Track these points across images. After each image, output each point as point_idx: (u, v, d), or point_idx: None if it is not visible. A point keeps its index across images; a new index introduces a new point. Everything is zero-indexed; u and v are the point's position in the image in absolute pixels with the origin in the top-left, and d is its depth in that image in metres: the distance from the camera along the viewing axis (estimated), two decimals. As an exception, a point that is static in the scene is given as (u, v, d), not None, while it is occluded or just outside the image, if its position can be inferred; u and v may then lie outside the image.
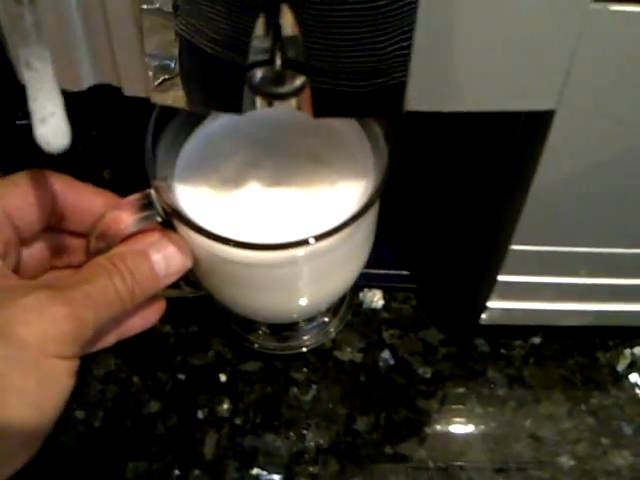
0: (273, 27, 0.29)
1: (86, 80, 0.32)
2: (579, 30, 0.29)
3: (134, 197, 0.36)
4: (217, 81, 0.31)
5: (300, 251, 0.35)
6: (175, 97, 0.32)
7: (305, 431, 0.46)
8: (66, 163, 0.37)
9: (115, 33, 0.30)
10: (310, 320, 0.50)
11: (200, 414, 0.46)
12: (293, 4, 0.28)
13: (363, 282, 0.50)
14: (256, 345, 0.49)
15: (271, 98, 0.31)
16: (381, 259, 0.49)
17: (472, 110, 0.32)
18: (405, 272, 0.51)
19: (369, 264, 0.46)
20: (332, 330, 0.50)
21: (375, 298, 0.51)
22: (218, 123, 0.41)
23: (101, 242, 0.36)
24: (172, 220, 0.37)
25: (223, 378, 0.48)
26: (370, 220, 0.39)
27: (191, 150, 0.40)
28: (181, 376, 0.48)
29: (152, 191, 0.36)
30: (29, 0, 0.24)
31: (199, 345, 0.49)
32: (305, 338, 0.50)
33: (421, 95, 0.31)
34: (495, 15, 0.29)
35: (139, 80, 0.31)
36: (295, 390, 0.48)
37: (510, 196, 0.38)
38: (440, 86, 0.31)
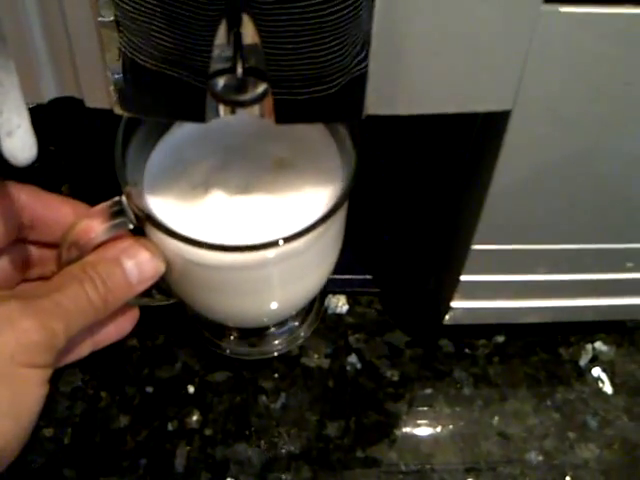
0: (234, 36, 0.29)
1: (48, 93, 0.32)
2: (531, 31, 0.30)
3: (104, 205, 0.36)
4: (179, 91, 0.31)
5: (270, 252, 0.35)
6: (137, 110, 0.33)
7: (276, 439, 0.46)
8: (24, 178, 0.37)
9: (76, 45, 0.30)
10: (280, 325, 0.50)
11: (170, 426, 0.46)
12: (253, 14, 0.28)
13: (326, 288, 0.51)
14: (228, 351, 0.49)
15: (234, 106, 0.32)
16: (343, 264, 0.49)
17: (429, 112, 0.33)
18: (368, 276, 0.51)
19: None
20: (302, 335, 0.50)
21: (339, 303, 0.51)
22: (186, 129, 0.41)
23: (73, 251, 0.36)
24: (144, 226, 0.37)
25: (191, 389, 0.48)
26: (339, 222, 0.39)
27: (160, 157, 0.40)
28: (149, 389, 0.48)
29: (123, 198, 0.35)
30: None
31: (166, 357, 0.49)
32: (276, 343, 0.50)
33: (379, 99, 0.32)
34: (448, 18, 0.29)
35: (101, 92, 0.31)
36: (264, 398, 0.48)
37: (469, 196, 0.39)
38: (397, 90, 0.32)
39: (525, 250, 0.41)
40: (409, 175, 0.46)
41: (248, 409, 0.47)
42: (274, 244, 0.34)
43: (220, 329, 0.50)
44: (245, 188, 0.39)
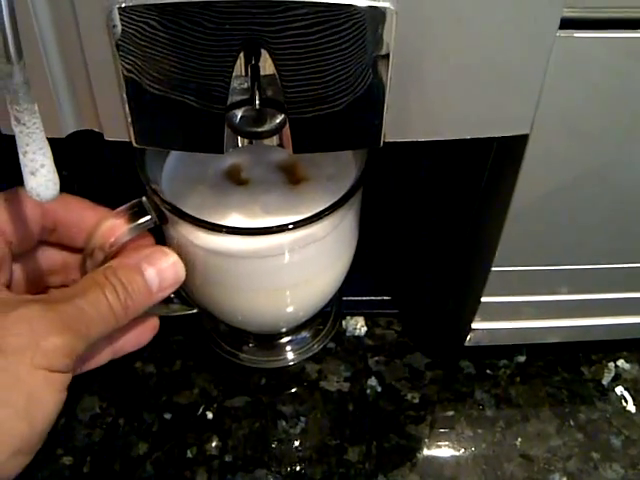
0: (252, 68, 0.29)
1: (67, 127, 0.32)
2: (547, 57, 0.30)
3: (125, 207, 0.37)
4: (197, 123, 0.31)
5: (287, 236, 0.36)
6: (155, 141, 0.33)
7: (296, 465, 0.45)
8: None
9: (95, 80, 0.30)
10: (294, 334, 0.50)
11: (189, 453, 0.46)
12: (270, 48, 0.28)
13: (345, 310, 0.51)
14: (244, 358, 0.49)
15: (252, 138, 0.32)
16: (361, 285, 0.49)
17: (447, 139, 0.33)
18: (386, 297, 0.51)
19: (350, 292, 0.46)
20: (316, 346, 0.50)
21: (358, 325, 0.51)
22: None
23: (96, 255, 0.36)
24: (166, 224, 0.37)
25: (210, 415, 0.48)
26: (353, 214, 0.40)
27: (177, 158, 0.41)
28: (167, 415, 0.47)
29: (143, 198, 0.36)
30: (18, 59, 0.25)
31: (183, 383, 0.49)
32: (289, 352, 0.50)
33: (397, 127, 0.32)
34: (465, 46, 0.29)
35: (120, 125, 0.31)
36: (284, 423, 0.47)
37: (488, 217, 0.39)
38: (415, 117, 0.32)
39: (546, 271, 0.40)
40: (428, 196, 0.46)
41: (267, 434, 0.47)
42: (291, 226, 0.35)
43: (237, 340, 0.50)
44: (263, 184, 0.39)
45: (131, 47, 0.28)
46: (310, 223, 0.36)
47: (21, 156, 0.27)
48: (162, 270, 0.37)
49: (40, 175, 0.28)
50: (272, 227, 0.35)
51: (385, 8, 0.27)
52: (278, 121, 0.30)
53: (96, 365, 0.38)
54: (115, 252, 0.37)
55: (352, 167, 0.40)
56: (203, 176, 0.40)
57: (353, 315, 0.51)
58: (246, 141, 0.32)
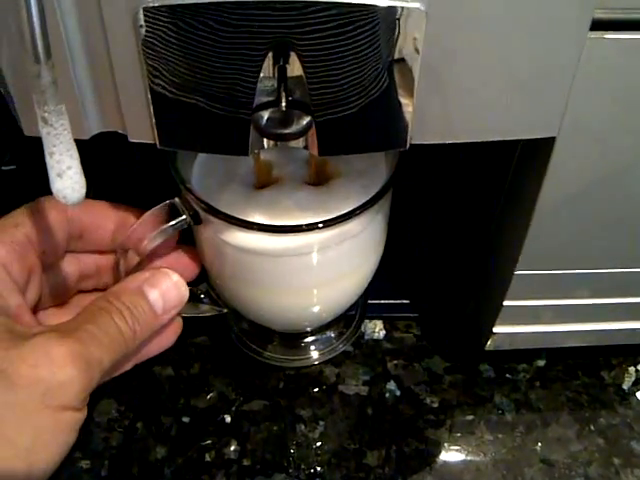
0: (279, 69, 0.29)
1: (91, 128, 0.32)
2: (577, 59, 0.30)
3: (158, 207, 0.37)
4: (223, 126, 0.31)
5: (316, 235, 0.36)
6: (179, 143, 0.32)
7: (316, 469, 0.45)
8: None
9: (120, 80, 0.30)
10: (320, 333, 0.50)
11: (207, 457, 0.46)
12: (298, 49, 0.28)
13: (363, 312, 0.50)
14: (268, 356, 0.50)
15: (278, 140, 0.31)
16: (380, 289, 0.48)
17: (474, 141, 0.33)
18: (405, 301, 0.51)
19: (370, 295, 0.45)
20: (341, 346, 0.50)
21: (376, 329, 0.51)
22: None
23: (130, 258, 0.37)
24: (199, 223, 0.38)
25: (228, 419, 0.47)
26: (382, 215, 0.40)
27: (206, 157, 0.41)
28: (185, 419, 0.47)
29: (176, 199, 0.37)
30: (46, 59, 0.25)
31: (201, 386, 0.49)
32: (314, 351, 0.50)
33: (424, 129, 0.32)
34: (493, 47, 0.29)
35: (145, 126, 0.31)
36: (302, 427, 0.47)
37: (512, 220, 0.38)
38: (442, 119, 0.32)
39: (569, 275, 0.40)
40: (449, 197, 0.45)
41: (286, 438, 0.46)
42: (321, 225, 0.35)
43: (262, 338, 0.50)
44: (294, 181, 0.39)
45: (157, 48, 0.28)
46: (340, 222, 0.36)
47: (47, 157, 0.27)
48: (165, 292, 0.36)
49: (67, 177, 0.27)
50: (302, 225, 0.35)
51: (415, 9, 0.27)
52: (304, 123, 0.30)
53: (121, 372, 0.38)
54: (149, 254, 0.37)
55: (382, 163, 0.40)
56: (234, 174, 0.40)
57: (372, 318, 0.51)
58: (272, 143, 0.32)
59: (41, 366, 0.29)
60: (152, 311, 0.35)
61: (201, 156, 0.41)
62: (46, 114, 0.26)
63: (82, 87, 0.30)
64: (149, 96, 0.30)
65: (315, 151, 0.32)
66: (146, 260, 0.38)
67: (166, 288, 0.36)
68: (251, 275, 0.39)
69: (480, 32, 0.28)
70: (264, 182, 0.40)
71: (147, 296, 0.35)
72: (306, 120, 0.30)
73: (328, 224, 0.36)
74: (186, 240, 0.42)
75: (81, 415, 0.31)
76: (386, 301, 0.50)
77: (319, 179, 0.40)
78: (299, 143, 0.32)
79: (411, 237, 0.51)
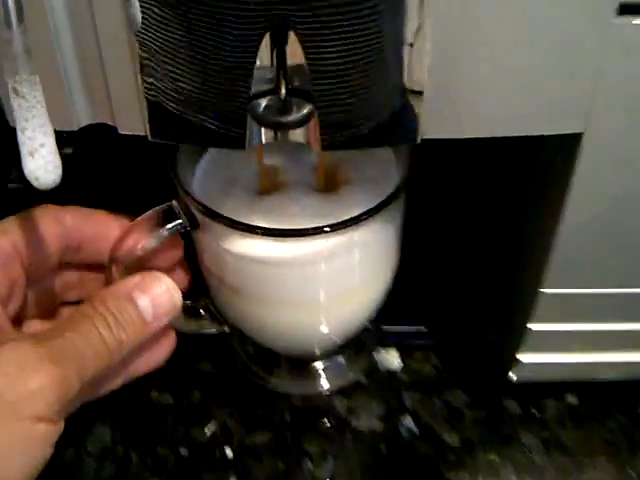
0: (277, 55, 0.27)
1: (80, 120, 0.31)
2: (603, 46, 0.27)
3: (153, 210, 0.35)
4: (218, 116, 0.29)
5: (323, 241, 0.34)
6: (171, 135, 0.30)
7: (322, 510, 0.42)
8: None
9: (109, 69, 0.29)
10: (329, 359, 0.47)
11: (206, 494, 0.42)
12: (297, 28, 0.26)
13: (377, 339, 0.48)
14: (274, 385, 0.47)
15: (276, 128, 0.29)
16: (395, 314, 0.46)
17: (491, 135, 0.30)
18: (422, 328, 0.48)
19: (382, 320, 0.43)
20: (352, 375, 0.47)
21: (392, 358, 0.47)
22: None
23: (122, 262, 0.35)
24: (196, 229, 0.36)
25: (229, 453, 0.44)
26: (393, 225, 0.37)
27: (208, 163, 0.39)
28: (184, 451, 0.44)
29: (174, 202, 0.35)
30: (19, 24, 0.23)
31: (202, 416, 0.45)
32: (322, 378, 0.47)
33: (437, 122, 0.29)
34: (513, 34, 0.27)
35: (135, 117, 0.30)
36: (309, 464, 0.43)
37: (536, 232, 0.36)
38: (457, 112, 0.29)
39: (602, 294, 0.37)
40: (467, 210, 0.43)
41: (291, 476, 0.43)
42: (327, 228, 0.33)
43: (268, 363, 0.47)
44: (301, 188, 0.38)
45: (148, 29, 0.26)
46: (348, 226, 0.33)
47: (19, 134, 0.25)
48: (156, 297, 0.34)
49: (39, 156, 0.25)
50: (308, 229, 0.33)
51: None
52: (305, 111, 0.28)
53: (108, 391, 0.35)
54: (144, 259, 0.35)
55: (395, 171, 0.38)
56: (237, 179, 0.38)
57: (386, 346, 0.48)
58: (270, 136, 0.30)
59: (11, 373, 0.28)
60: (141, 318, 0.33)
61: (203, 162, 0.39)
62: (17, 85, 0.24)
63: (69, 75, 0.29)
64: (140, 83, 0.28)
65: (317, 145, 0.29)
66: (140, 267, 0.36)
67: (157, 293, 0.34)
68: (253, 287, 0.37)
69: (500, 14, 0.26)
70: (269, 189, 0.38)
71: (136, 301, 0.33)
72: (307, 108, 0.28)
73: (335, 228, 0.33)
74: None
75: (56, 428, 0.29)
76: (401, 327, 0.47)
77: (328, 186, 0.38)
78: (301, 137, 0.29)
79: (426, 257, 0.48)
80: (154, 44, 0.27)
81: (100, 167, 0.46)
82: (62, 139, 0.26)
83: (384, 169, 0.38)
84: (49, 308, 0.37)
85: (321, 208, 0.36)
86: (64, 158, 0.26)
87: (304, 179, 0.38)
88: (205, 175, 0.39)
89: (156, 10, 0.26)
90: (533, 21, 0.26)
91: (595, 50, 0.27)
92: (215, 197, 0.37)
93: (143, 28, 0.27)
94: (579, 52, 0.27)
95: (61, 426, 0.30)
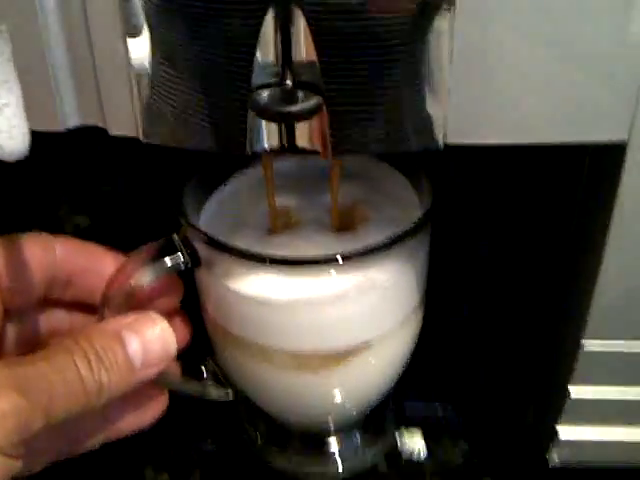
0: (282, 34, 0.25)
1: (67, 121, 0.29)
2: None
3: (151, 244, 0.33)
4: (216, 116, 0.27)
5: (335, 276, 0.32)
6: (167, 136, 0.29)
7: None
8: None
9: (100, 69, 0.27)
10: (344, 437, 0.43)
11: None
12: (308, 16, 0.24)
13: (399, 420, 0.44)
14: (283, 466, 0.42)
15: (281, 120, 0.27)
16: (419, 392, 0.44)
17: (523, 143, 0.27)
18: (449, 407, 0.44)
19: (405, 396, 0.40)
20: (369, 458, 0.42)
21: (415, 442, 0.43)
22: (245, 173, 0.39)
23: (114, 299, 0.32)
24: (197, 267, 0.34)
25: None
26: (416, 266, 0.34)
27: (217, 203, 0.38)
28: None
29: (174, 235, 0.33)
30: None
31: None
32: (338, 461, 0.42)
33: (462, 126, 0.27)
34: (548, 33, 0.25)
35: (127, 118, 0.28)
36: None
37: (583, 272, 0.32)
38: (485, 115, 0.27)
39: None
40: (496, 258, 0.39)
41: None
42: (340, 258, 0.31)
43: (277, 441, 0.43)
44: (314, 227, 0.36)
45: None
46: (363, 258, 0.31)
47: None
48: (148, 341, 0.30)
49: (3, 118, 0.21)
50: (319, 258, 0.31)
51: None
52: (312, 103, 0.26)
53: (87, 448, 0.32)
54: (138, 297, 0.32)
55: (416, 210, 0.35)
56: (247, 218, 0.37)
57: (408, 426, 0.43)
58: (274, 141, 0.27)
59: None
60: (128, 362, 0.30)
61: (209, 204, 0.37)
62: None
63: (57, 71, 0.27)
64: (133, 78, 0.27)
65: (326, 150, 0.27)
66: (135, 308, 0.32)
67: (149, 336, 0.30)
68: (258, 331, 0.34)
69: (530, 12, 0.24)
70: (280, 228, 0.36)
71: (125, 342, 0.30)
72: (315, 100, 0.26)
73: (349, 258, 0.30)
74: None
75: (14, 464, 0.26)
76: (426, 405, 0.43)
77: (344, 225, 0.35)
78: (307, 142, 0.27)
79: (454, 324, 0.45)
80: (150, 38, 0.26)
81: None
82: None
83: (406, 210, 0.36)
84: (32, 350, 0.34)
85: (336, 247, 0.33)
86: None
87: (318, 218, 0.36)
88: (212, 216, 0.37)
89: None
90: (569, 17, 0.25)
91: (637, 49, 0.25)
92: (222, 234, 0.34)
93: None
94: (619, 52, 0.25)
95: (19, 465, 0.26)
